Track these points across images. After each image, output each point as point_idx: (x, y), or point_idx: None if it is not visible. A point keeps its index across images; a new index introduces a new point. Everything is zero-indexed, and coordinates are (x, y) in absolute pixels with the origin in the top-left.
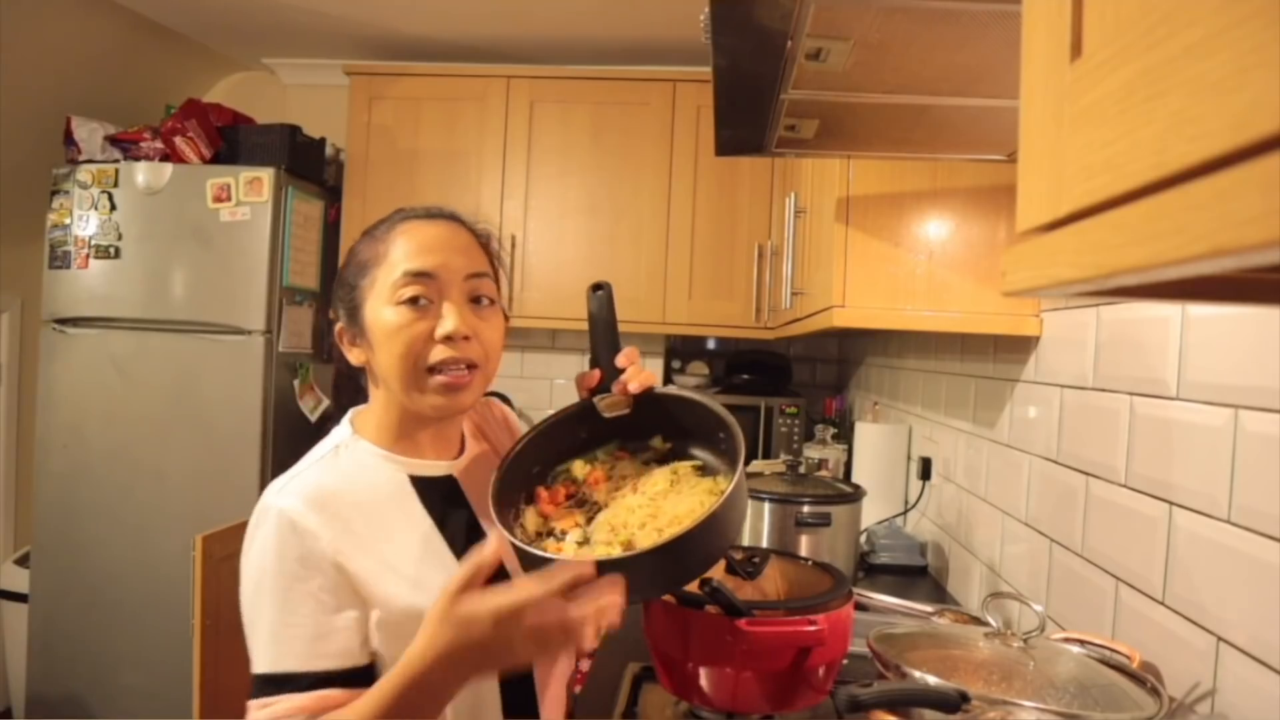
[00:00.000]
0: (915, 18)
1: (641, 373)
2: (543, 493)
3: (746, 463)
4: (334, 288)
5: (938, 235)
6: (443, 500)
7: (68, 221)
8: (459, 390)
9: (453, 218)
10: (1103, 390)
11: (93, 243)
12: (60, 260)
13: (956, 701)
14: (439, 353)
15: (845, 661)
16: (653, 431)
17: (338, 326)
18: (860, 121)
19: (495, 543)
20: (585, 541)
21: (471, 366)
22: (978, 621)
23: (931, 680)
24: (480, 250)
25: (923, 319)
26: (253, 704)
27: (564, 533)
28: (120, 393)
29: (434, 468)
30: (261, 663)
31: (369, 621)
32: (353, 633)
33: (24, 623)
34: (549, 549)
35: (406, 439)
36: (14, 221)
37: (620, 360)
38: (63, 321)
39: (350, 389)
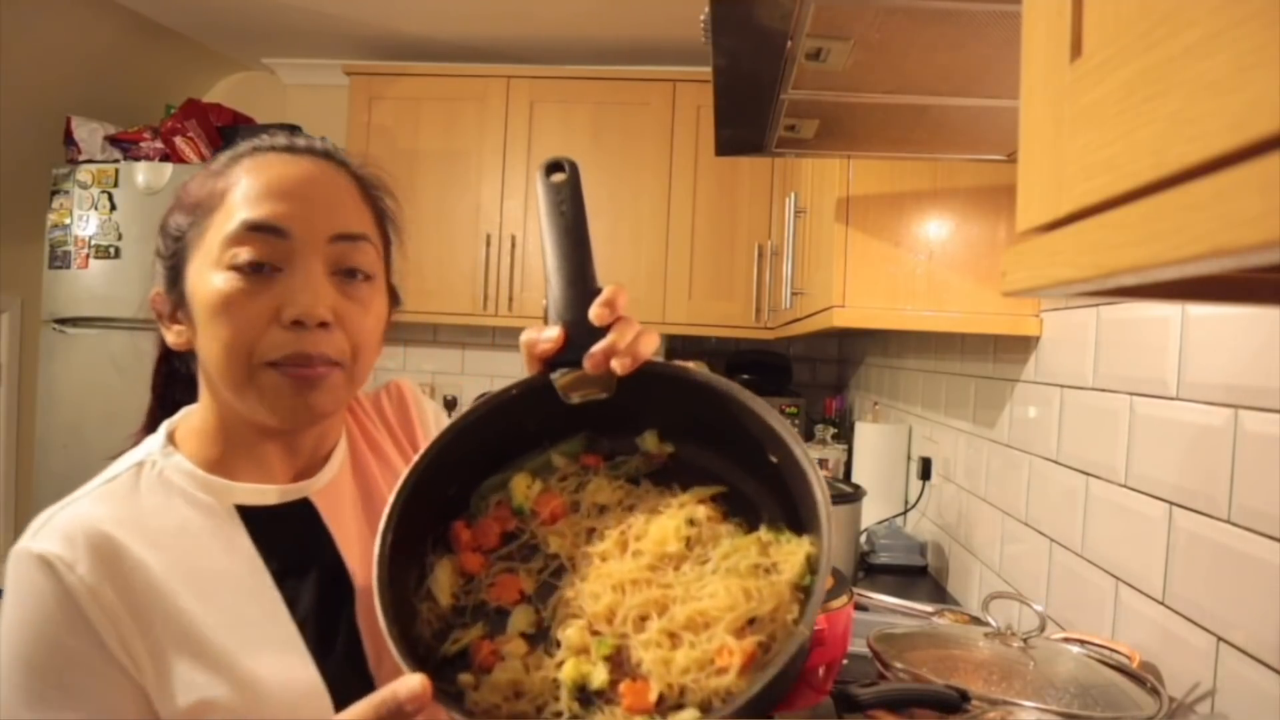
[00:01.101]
0: (915, 18)
1: (630, 333)
2: (462, 532)
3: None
4: (160, 236)
5: (938, 235)
6: (290, 539)
7: (68, 221)
8: (309, 392)
9: (323, 155)
10: (1103, 390)
11: (93, 243)
12: (60, 260)
13: (956, 701)
14: (281, 342)
15: (845, 661)
16: (642, 421)
17: (154, 292)
18: (860, 121)
19: (419, 681)
20: (537, 637)
21: (331, 364)
22: (978, 621)
23: (931, 680)
24: (362, 204)
25: (923, 319)
26: None
27: (498, 610)
28: (120, 393)
29: (276, 493)
30: None
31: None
32: None
33: None
34: (475, 655)
35: (241, 453)
36: (14, 221)
37: (598, 310)
38: (63, 321)
39: (179, 382)
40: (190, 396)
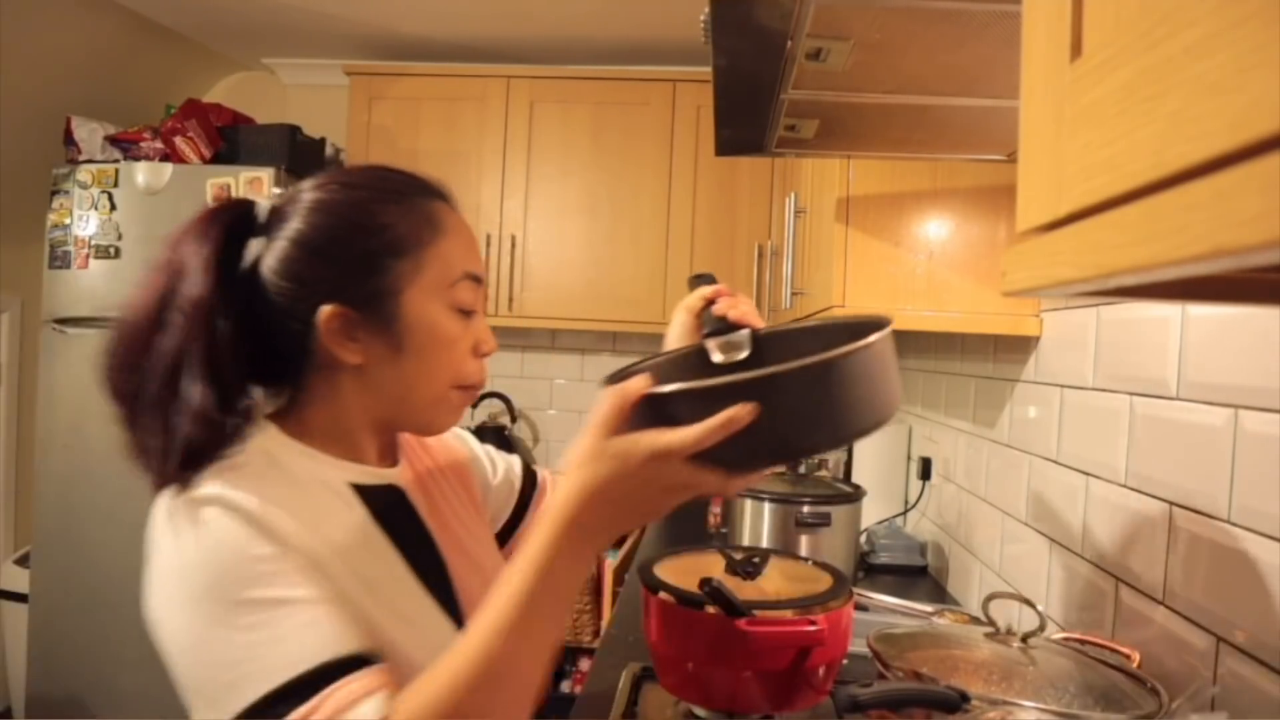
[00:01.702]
0: (915, 18)
1: (747, 304)
2: None
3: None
4: (326, 251)
5: (938, 235)
6: (393, 515)
7: (68, 221)
8: (465, 408)
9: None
10: (1103, 390)
11: (93, 243)
12: (60, 260)
13: (956, 701)
14: (478, 371)
15: (845, 661)
16: None
17: (329, 310)
18: (860, 121)
19: (639, 382)
20: None
21: None
22: (978, 621)
23: (931, 680)
24: None
25: (923, 319)
26: None
27: None
28: None
29: (374, 475)
30: (242, 693)
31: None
32: (337, 614)
33: (24, 623)
34: None
35: (347, 443)
36: (14, 221)
37: (716, 299)
38: (63, 321)
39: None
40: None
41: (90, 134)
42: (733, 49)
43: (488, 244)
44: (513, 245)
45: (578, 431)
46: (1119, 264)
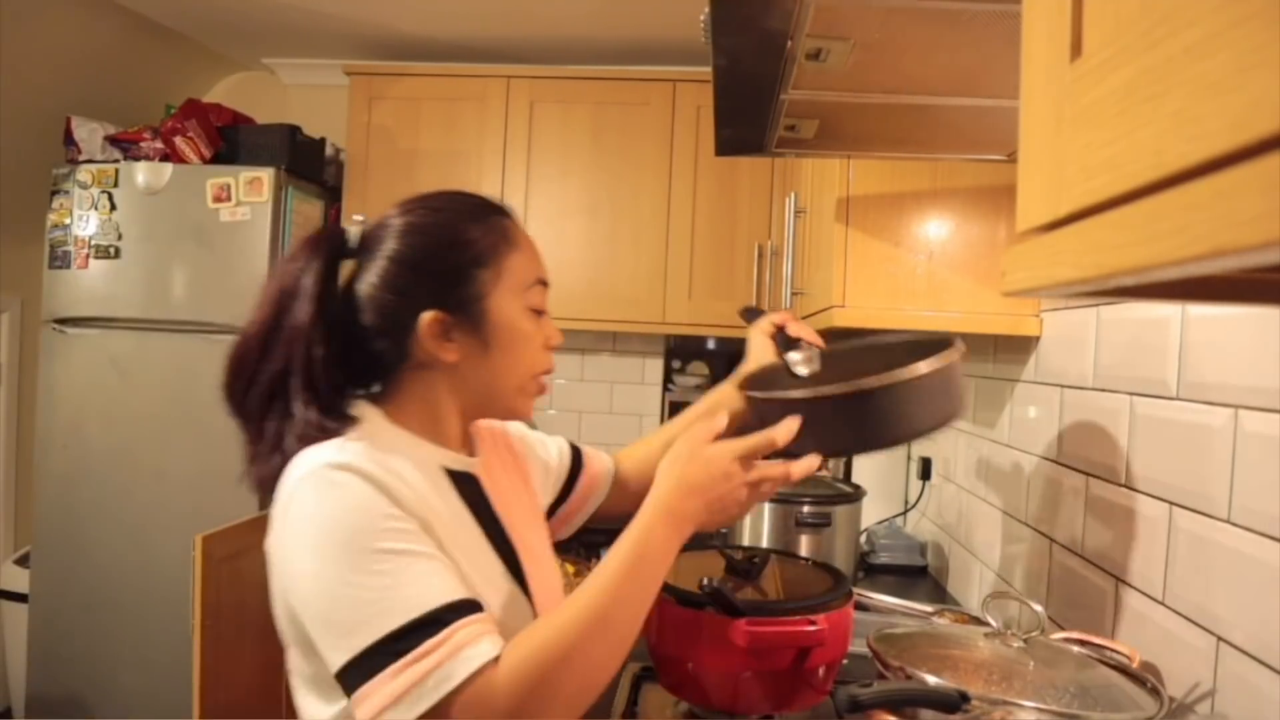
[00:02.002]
0: (915, 18)
1: (804, 325)
2: None
3: None
4: (422, 266)
5: (938, 235)
6: (474, 496)
7: (68, 221)
8: (543, 395)
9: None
10: (1103, 390)
11: (93, 243)
12: (60, 260)
13: (956, 701)
14: (548, 361)
15: (845, 661)
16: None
17: (430, 315)
18: (860, 121)
19: (723, 418)
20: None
21: None
22: (978, 621)
23: (931, 680)
24: None
25: (923, 319)
26: (362, 694)
27: None
28: (120, 393)
29: (462, 462)
30: (348, 647)
31: None
32: (450, 571)
33: (24, 623)
34: None
35: (436, 431)
36: (14, 221)
37: (786, 325)
38: (63, 321)
39: (331, 386)
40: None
41: (90, 134)
42: (733, 49)
43: None
44: None
45: (579, 433)
46: (1119, 264)
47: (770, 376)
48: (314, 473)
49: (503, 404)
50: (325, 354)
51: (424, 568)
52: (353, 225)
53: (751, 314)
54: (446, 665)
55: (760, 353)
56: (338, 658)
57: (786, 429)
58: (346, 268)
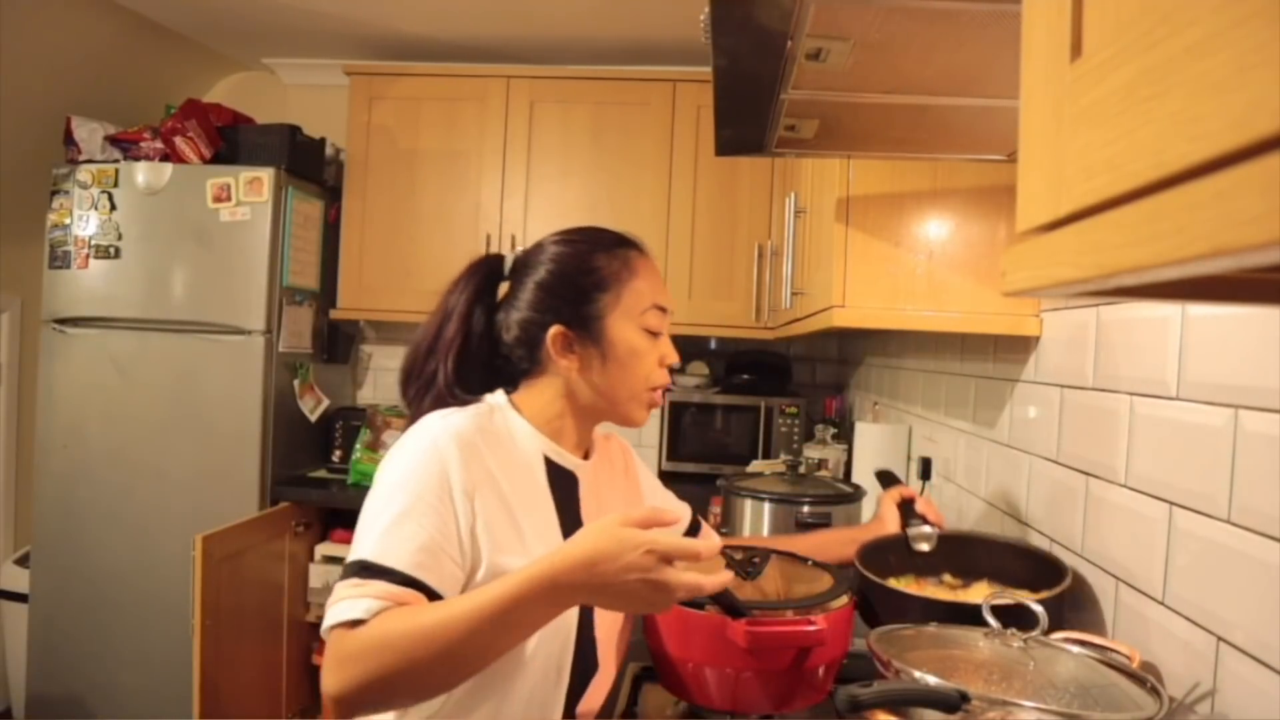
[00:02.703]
0: (915, 18)
1: (931, 504)
2: None
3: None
4: (555, 289)
5: (938, 235)
6: (565, 490)
7: (68, 221)
8: (656, 407)
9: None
10: (1103, 390)
11: (93, 243)
12: (60, 260)
13: (956, 701)
14: (662, 377)
15: (845, 661)
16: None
17: (556, 330)
18: (860, 121)
19: (651, 507)
20: None
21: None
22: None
23: (931, 680)
24: None
25: (923, 319)
26: (342, 584)
27: None
28: (120, 393)
29: (568, 459)
30: (362, 549)
31: (469, 577)
32: (455, 571)
33: (24, 623)
34: None
35: (552, 427)
36: (14, 221)
37: (922, 502)
38: (63, 321)
39: (476, 367)
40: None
41: (90, 134)
42: (733, 49)
43: (487, 244)
44: (512, 245)
45: None
46: (1119, 264)
47: (888, 545)
48: (423, 423)
49: (618, 410)
50: (466, 363)
51: (413, 530)
52: (510, 254)
53: (887, 479)
54: (342, 604)
55: (888, 518)
56: (354, 548)
57: (719, 580)
58: (503, 287)
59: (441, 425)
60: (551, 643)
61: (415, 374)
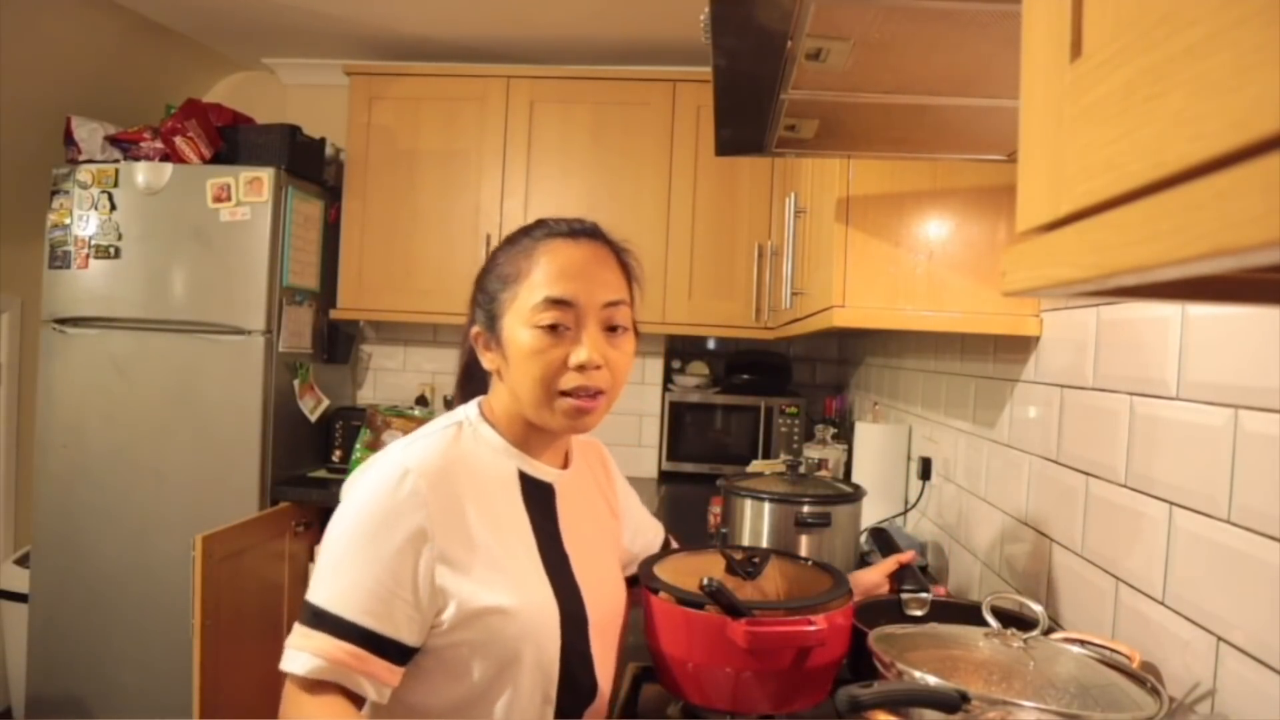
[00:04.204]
0: (915, 18)
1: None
2: None
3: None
4: (474, 290)
5: (938, 235)
6: (541, 504)
7: (68, 221)
8: (585, 414)
9: (594, 234)
10: (1103, 390)
11: (93, 243)
12: (60, 260)
13: (956, 701)
14: (571, 379)
15: (845, 661)
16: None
17: (475, 329)
18: (860, 121)
19: None
20: None
21: (599, 393)
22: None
23: (931, 680)
24: (619, 271)
25: (923, 319)
26: (298, 625)
27: None
28: (120, 393)
29: (543, 471)
30: (315, 593)
31: (434, 615)
32: (408, 611)
33: (24, 623)
34: None
35: (526, 438)
36: (14, 221)
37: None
38: (63, 321)
39: (478, 374)
40: (482, 381)
41: (90, 134)
42: (733, 49)
43: (486, 244)
44: None
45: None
46: (1119, 264)
47: (880, 607)
48: (385, 454)
49: (534, 416)
50: (465, 364)
51: (364, 575)
52: None
53: (885, 544)
54: (290, 652)
55: (883, 574)
56: (311, 588)
57: None
58: None
59: (402, 459)
60: (534, 673)
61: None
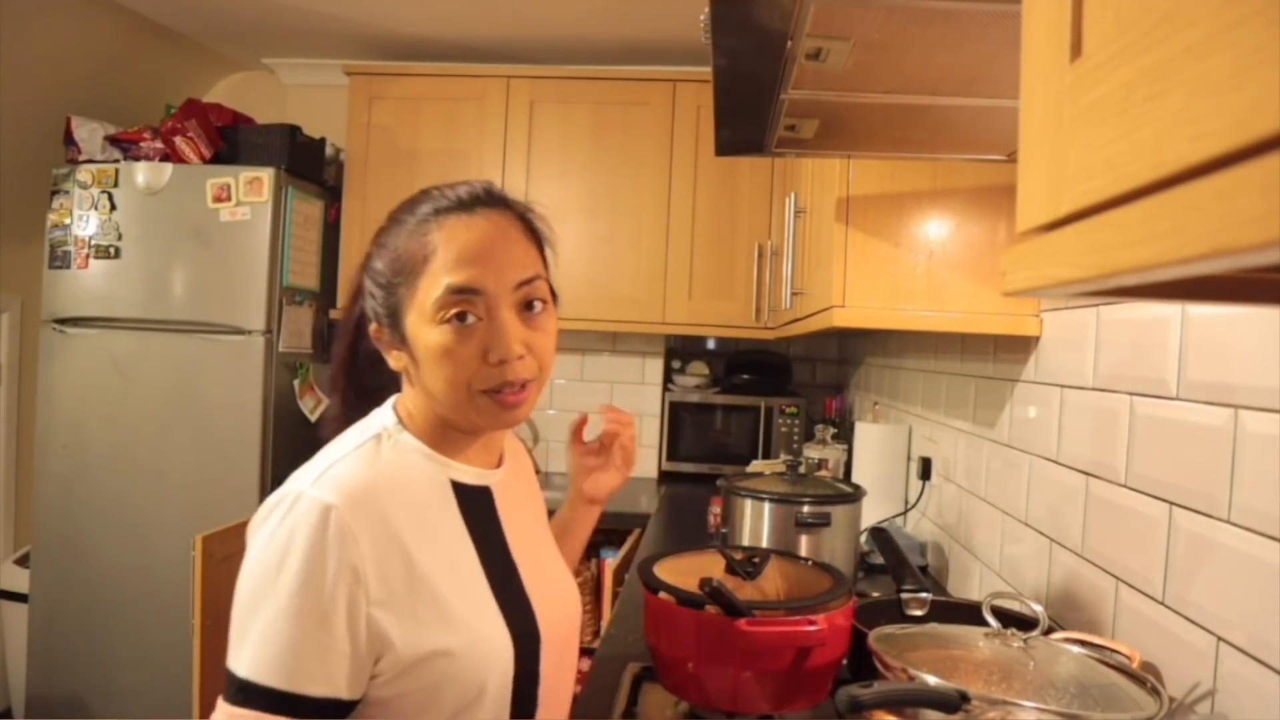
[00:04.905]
0: (915, 18)
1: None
2: None
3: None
4: (364, 278)
5: (938, 235)
6: (480, 513)
7: (68, 221)
8: (514, 409)
9: (492, 201)
10: (1103, 390)
11: (93, 243)
12: (60, 260)
13: (956, 701)
14: (491, 377)
15: (845, 661)
16: None
17: (374, 328)
18: (860, 121)
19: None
20: None
21: (526, 384)
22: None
23: (931, 680)
24: (528, 240)
25: (923, 319)
26: (223, 702)
27: None
28: (120, 393)
29: (476, 475)
30: (241, 663)
31: (373, 663)
32: (346, 664)
33: (24, 623)
34: None
35: (452, 440)
36: (14, 221)
37: None
38: (63, 321)
39: (357, 387)
40: (365, 398)
41: (90, 134)
42: (733, 49)
43: None
44: None
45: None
46: (1119, 264)
47: (879, 607)
48: (289, 491)
49: (454, 417)
50: (353, 356)
51: (289, 635)
52: None
53: (884, 542)
54: None
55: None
56: (231, 654)
57: None
58: None
59: (318, 494)
60: (491, 707)
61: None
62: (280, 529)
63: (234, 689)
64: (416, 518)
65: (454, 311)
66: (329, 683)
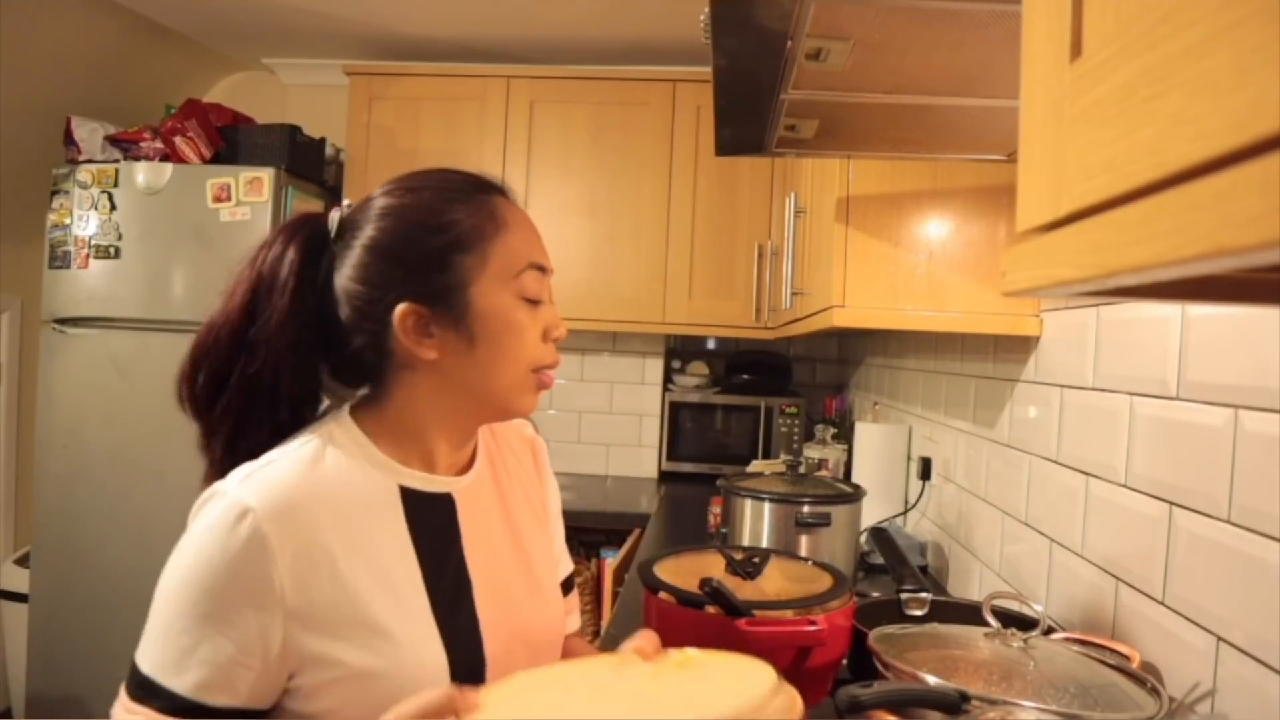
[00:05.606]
0: (915, 18)
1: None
2: None
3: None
4: (395, 253)
5: (938, 235)
6: (434, 523)
7: (68, 221)
8: (548, 388)
9: (504, 190)
10: (1103, 390)
11: (93, 243)
12: (60, 260)
13: (956, 701)
14: (550, 354)
15: (845, 661)
16: None
17: (404, 308)
18: (860, 121)
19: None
20: None
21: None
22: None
23: (931, 680)
24: None
25: (923, 319)
26: (123, 694)
27: None
28: (120, 393)
29: (432, 482)
30: (144, 657)
31: (286, 677)
32: (249, 675)
33: (24, 623)
34: None
35: (414, 444)
36: (14, 221)
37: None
38: (63, 321)
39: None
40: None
41: (90, 134)
42: (733, 49)
43: None
44: None
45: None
46: (1119, 264)
47: (879, 607)
48: (221, 488)
49: (497, 403)
50: (300, 356)
51: (200, 645)
52: (335, 210)
53: (884, 542)
54: None
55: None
56: (140, 645)
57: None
58: (326, 259)
59: (240, 494)
60: None
61: (214, 367)
62: (198, 526)
63: (134, 683)
64: (351, 528)
65: (534, 290)
66: (229, 692)
